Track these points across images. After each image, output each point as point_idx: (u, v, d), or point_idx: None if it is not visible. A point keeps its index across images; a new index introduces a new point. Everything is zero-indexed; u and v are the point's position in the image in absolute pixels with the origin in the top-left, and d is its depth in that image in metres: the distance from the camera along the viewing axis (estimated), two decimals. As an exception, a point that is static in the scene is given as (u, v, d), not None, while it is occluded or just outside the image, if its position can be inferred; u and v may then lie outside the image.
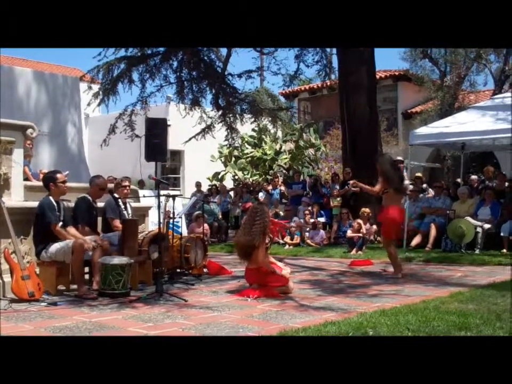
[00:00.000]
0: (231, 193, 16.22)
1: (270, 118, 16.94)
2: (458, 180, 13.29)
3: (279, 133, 21.30)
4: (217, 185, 16.74)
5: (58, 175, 6.39)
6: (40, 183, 6.92)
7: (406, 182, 8.17)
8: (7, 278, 5.94)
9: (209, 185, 17.16)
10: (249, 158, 20.29)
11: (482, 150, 15.33)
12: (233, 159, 20.52)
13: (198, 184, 15.44)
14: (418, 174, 13.63)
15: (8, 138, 6.48)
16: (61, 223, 6.24)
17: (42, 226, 6.15)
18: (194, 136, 16.24)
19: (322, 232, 12.08)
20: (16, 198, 6.57)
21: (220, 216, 14.27)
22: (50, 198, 6.24)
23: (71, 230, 6.33)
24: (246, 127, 17.82)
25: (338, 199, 12.89)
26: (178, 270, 7.64)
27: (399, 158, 14.46)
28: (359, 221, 10.88)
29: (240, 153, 20.53)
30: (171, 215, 7.63)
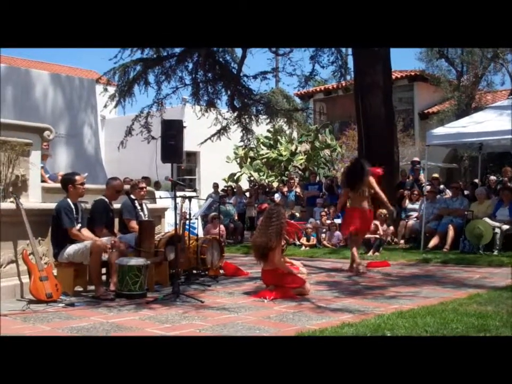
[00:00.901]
0: (247, 194, 16.21)
1: (285, 119, 16.91)
2: (476, 181, 13.17)
3: (295, 134, 21.25)
4: (233, 186, 16.74)
5: (77, 177, 6.41)
6: (58, 185, 6.96)
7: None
8: (25, 279, 5.99)
9: (224, 186, 17.17)
10: (265, 159, 20.25)
11: (500, 150, 15.18)
12: (248, 160, 20.51)
13: (216, 185, 15.46)
14: (435, 175, 13.54)
15: (26, 140, 6.54)
16: (79, 225, 6.27)
17: (59, 228, 6.18)
18: (209, 138, 16.24)
19: (338, 233, 12.00)
20: (34, 199, 6.63)
21: (236, 217, 14.24)
22: (68, 200, 6.26)
23: (87, 232, 6.36)
24: (261, 128, 17.79)
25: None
26: (194, 271, 7.65)
27: (416, 158, 14.40)
28: (376, 222, 10.79)
29: (256, 154, 20.51)
30: (187, 216, 7.64)
